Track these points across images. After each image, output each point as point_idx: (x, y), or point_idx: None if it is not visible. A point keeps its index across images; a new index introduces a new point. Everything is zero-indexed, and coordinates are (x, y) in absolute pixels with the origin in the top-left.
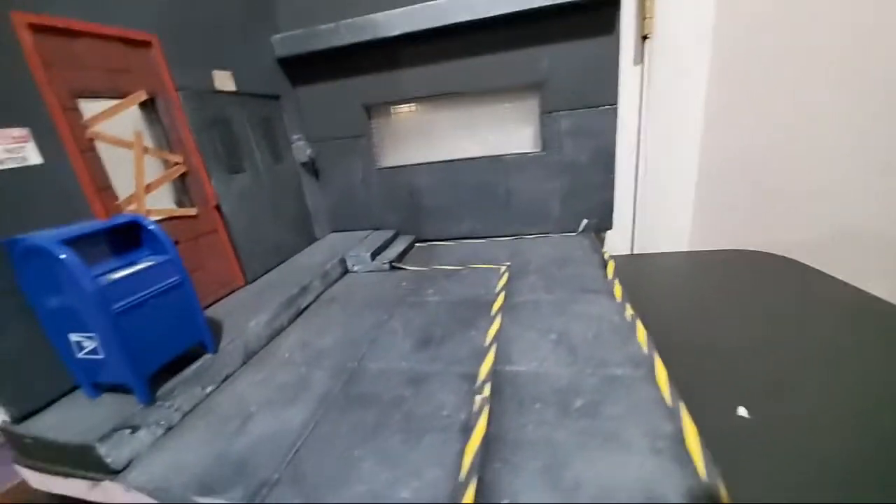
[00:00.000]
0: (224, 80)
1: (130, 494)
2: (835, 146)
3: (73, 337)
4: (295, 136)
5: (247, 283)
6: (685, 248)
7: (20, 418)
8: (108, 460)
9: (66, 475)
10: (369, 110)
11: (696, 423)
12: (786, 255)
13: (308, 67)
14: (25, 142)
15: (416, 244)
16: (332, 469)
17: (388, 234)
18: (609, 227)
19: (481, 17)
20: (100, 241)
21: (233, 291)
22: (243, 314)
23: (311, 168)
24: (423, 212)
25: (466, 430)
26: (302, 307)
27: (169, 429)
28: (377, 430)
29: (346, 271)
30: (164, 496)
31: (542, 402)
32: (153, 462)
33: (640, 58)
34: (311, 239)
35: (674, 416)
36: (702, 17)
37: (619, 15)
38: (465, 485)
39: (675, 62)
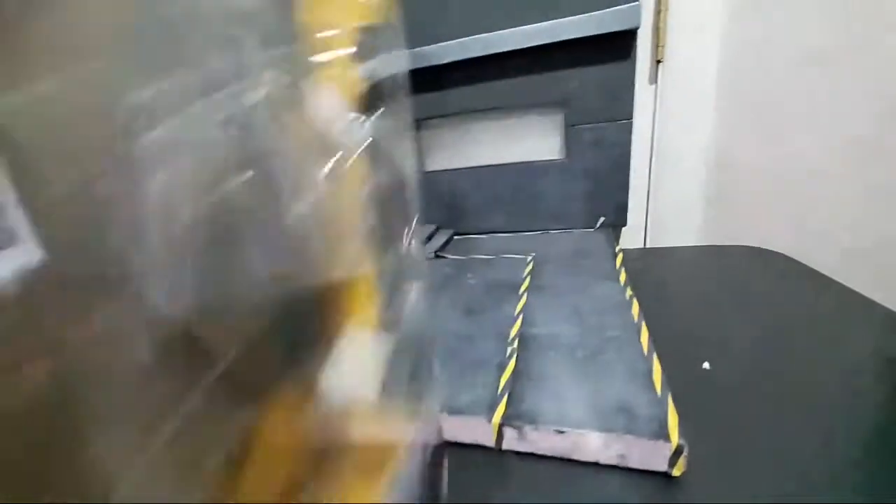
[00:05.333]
0: None
1: None
2: (824, 158)
3: None
4: None
5: None
6: (693, 244)
7: None
8: None
9: None
10: (419, 123)
11: (667, 371)
12: (777, 251)
13: None
14: None
15: (455, 237)
16: None
17: (431, 228)
18: (624, 223)
19: (520, 47)
20: None
21: None
22: None
23: None
24: (462, 210)
25: (502, 367)
26: None
27: None
28: (441, 364)
29: None
30: None
31: (555, 351)
32: None
33: (654, 78)
34: None
35: (648, 360)
36: (708, 45)
37: (635, 43)
38: (501, 396)
39: (685, 82)
